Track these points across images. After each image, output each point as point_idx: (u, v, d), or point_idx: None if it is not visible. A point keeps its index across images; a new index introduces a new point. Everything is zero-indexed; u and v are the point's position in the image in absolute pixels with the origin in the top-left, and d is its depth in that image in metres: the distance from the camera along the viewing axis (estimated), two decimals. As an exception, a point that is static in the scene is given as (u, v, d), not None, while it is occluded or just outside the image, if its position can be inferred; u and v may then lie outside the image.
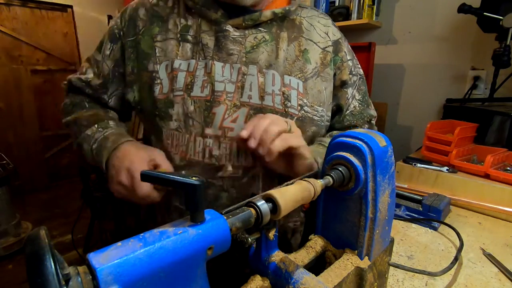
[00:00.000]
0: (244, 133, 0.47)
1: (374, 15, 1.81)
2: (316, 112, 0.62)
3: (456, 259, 0.58)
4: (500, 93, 1.35)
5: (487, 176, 0.89)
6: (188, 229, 0.28)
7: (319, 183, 0.38)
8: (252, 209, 0.33)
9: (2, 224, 2.16)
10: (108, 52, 0.62)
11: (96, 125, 0.60)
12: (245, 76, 0.56)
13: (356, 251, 0.42)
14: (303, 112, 0.59)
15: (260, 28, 0.58)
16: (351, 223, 0.43)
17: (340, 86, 0.67)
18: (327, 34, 0.65)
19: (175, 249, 0.26)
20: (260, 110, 0.56)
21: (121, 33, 0.61)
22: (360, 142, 0.40)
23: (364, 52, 1.82)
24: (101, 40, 0.65)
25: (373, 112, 0.75)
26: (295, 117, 0.59)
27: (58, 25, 3.27)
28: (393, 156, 0.43)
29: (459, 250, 0.61)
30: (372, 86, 1.87)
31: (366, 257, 0.42)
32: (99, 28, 3.45)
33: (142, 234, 0.27)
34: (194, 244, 0.27)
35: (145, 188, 0.49)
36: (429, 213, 0.77)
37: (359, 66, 0.71)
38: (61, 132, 3.44)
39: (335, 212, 0.45)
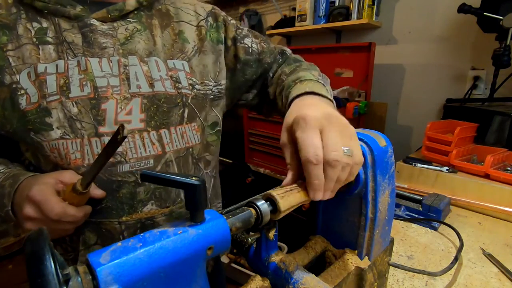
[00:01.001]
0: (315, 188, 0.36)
1: (374, 15, 1.81)
2: (208, 88, 0.63)
3: (456, 259, 0.58)
4: (500, 93, 1.35)
5: (487, 176, 0.89)
6: (188, 229, 0.28)
7: (319, 183, 0.37)
8: (252, 209, 0.33)
9: (2, 224, 2.16)
10: None
11: None
12: (127, 67, 0.54)
13: (356, 251, 0.43)
14: (195, 90, 0.61)
15: (129, 19, 0.56)
16: (351, 223, 0.43)
17: (233, 44, 0.68)
18: (195, 11, 0.65)
19: (175, 249, 0.26)
20: (153, 97, 0.55)
21: None
22: (360, 142, 0.40)
23: (364, 52, 1.82)
24: None
25: (280, 47, 0.75)
26: (190, 97, 0.59)
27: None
28: (393, 156, 0.43)
29: (459, 250, 0.61)
30: (372, 86, 1.87)
31: (366, 257, 0.42)
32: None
33: (142, 234, 0.27)
34: (194, 244, 0.27)
35: (56, 206, 0.44)
36: (429, 213, 0.77)
37: (240, 26, 0.72)
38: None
39: (335, 212, 0.45)
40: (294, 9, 2.17)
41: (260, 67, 0.71)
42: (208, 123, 0.65)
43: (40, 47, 0.51)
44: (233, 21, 0.70)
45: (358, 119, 1.81)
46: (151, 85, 0.55)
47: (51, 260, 0.21)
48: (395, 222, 0.78)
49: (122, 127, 0.34)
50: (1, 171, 0.53)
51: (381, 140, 0.41)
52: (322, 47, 2.07)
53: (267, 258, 0.41)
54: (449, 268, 0.55)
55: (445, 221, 0.75)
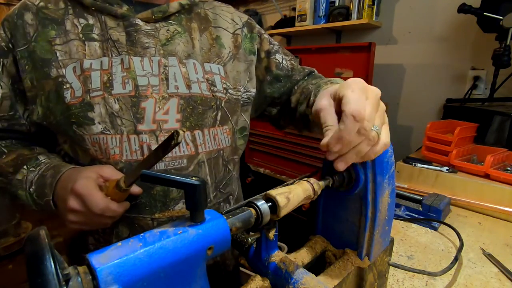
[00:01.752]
0: (324, 142, 0.36)
1: (374, 15, 1.81)
2: (239, 93, 0.64)
3: (456, 259, 0.58)
4: (500, 93, 1.35)
5: (487, 176, 0.90)
6: (188, 229, 0.28)
7: (319, 184, 0.38)
8: (252, 209, 0.33)
9: (2, 224, 2.16)
10: (0, 69, 0.54)
11: (25, 167, 0.53)
12: (167, 68, 0.55)
13: (356, 251, 0.43)
14: (229, 95, 0.62)
15: (170, 21, 0.58)
16: (351, 223, 0.43)
17: (267, 57, 0.71)
18: (233, 20, 0.68)
19: (175, 249, 0.26)
20: (189, 98, 0.56)
21: (9, 45, 0.53)
22: (360, 142, 0.40)
23: (364, 52, 1.82)
24: None
25: (311, 68, 0.77)
26: (224, 100, 0.61)
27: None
28: (393, 156, 0.43)
29: (459, 250, 0.61)
30: (372, 86, 1.87)
31: (366, 257, 0.42)
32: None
33: (142, 234, 0.27)
34: (194, 244, 0.27)
35: (100, 201, 0.45)
36: (429, 213, 0.77)
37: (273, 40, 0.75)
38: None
39: (335, 212, 0.45)
40: (294, 9, 2.17)
41: (288, 83, 0.72)
42: (238, 127, 0.66)
43: (86, 43, 0.53)
44: (266, 35, 0.72)
45: (358, 119, 1.81)
46: (188, 87, 0.56)
47: (51, 260, 0.21)
48: (395, 222, 0.78)
49: (177, 133, 0.35)
50: (42, 161, 0.54)
51: (381, 140, 0.41)
52: (322, 47, 2.07)
53: (267, 258, 0.41)
54: (449, 268, 0.55)
55: (445, 221, 0.75)
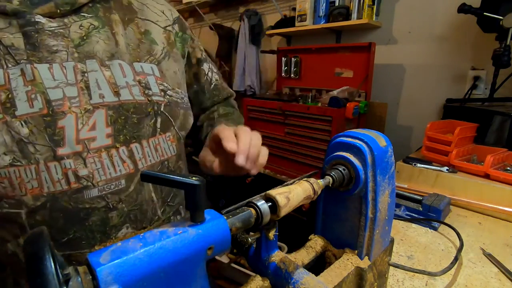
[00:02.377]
0: (233, 146, 0.45)
1: (374, 15, 1.81)
2: (178, 95, 0.58)
3: (456, 259, 0.58)
4: (500, 93, 1.35)
5: (487, 176, 0.89)
6: (188, 229, 0.28)
7: (319, 183, 0.38)
8: (252, 209, 0.33)
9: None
10: None
11: None
12: (85, 74, 0.46)
13: (356, 251, 0.43)
14: (168, 97, 0.54)
15: (82, 14, 0.47)
16: (351, 223, 0.43)
17: (197, 64, 0.66)
18: (163, 12, 0.59)
19: (175, 249, 0.26)
20: (119, 107, 0.48)
21: None
22: (360, 142, 0.40)
23: (364, 52, 1.83)
24: None
25: (230, 91, 0.77)
26: (163, 104, 0.53)
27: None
28: (393, 156, 0.43)
29: (459, 250, 0.61)
30: (372, 86, 1.87)
31: (366, 257, 0.42)
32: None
33: (142, 234, 0.27)
34: (194, 244, 0.27)
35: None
36: (429, 213, 0.77)
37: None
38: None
39: (335, 212, 0.45)
40: (294, 9, 2.18)
41: (208, 100, 0.71)
42: (183, 132, 0.60)
43: None
44: (197, 40, 0.67)
45: (358, 119, 1.81)
46: (117, 93, 0.48)
47: (51, 260, 0.21)
48: (395, 222, 0.78)
49: None
50: None
51: (381, 140, 0.41)
52: (322, 47, 2.07)
53: (267, 258, 0.41)
54: (449, 268, 0.55)
55: (445, 221, 0.75)
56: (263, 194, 0.35)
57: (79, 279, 0.22)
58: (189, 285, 0.29)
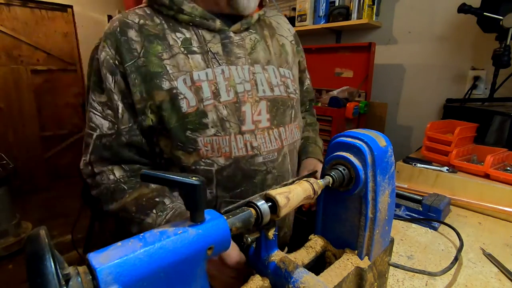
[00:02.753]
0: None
1: (374, 15, 1.81)
2: (299, 93, 0.76)
3: (456, 259, 0.58)
4: (500, 93, 1.35)
5: (487, 176, 0.89)
6: (188, 229, 0.28)
7: (319, 183, 0.38)
8: (252, 209, 0.33)
9: (2, 224, 2.16)
10: (113, 86, 0.58)
11: (154, 211, 0.57)
12: (255, 75, 0.64)
13: (356, 251, 0.42)
14: (296, 95, 0.73)
15: (250, 30, 0.66)
16: (351, 223, 0.43)
17: (303, 71, 0.84)
18: (289, 29, 0.78)
19: (175, 249, 0.26)
20: (274, 100, 0.65)
21: (116, 62, 0.57)
22: (360, 142, 0.40)
23: (364, 52, 1.82)
24: (93, 80, 0.59)
25: (312, 93, 0.93)
26: (294, 100, 0.71)
27: (58, 25, 3.27)
28: (393, 156, 0.43)
29: (459, 250, 0.61)
30: (372, 86, 1.87)
31: (366, 257, 0.42)
32: (99, 28, 3.44)
33: (142, 234, 0.27)
34: (194, 244, 0.27)
35: (234, 256, 0.48)
36: (429, 213, 0.77)
37: None
38: (61, 132, 3.44)
39: (335, 212, 0.45)
40: (294, 9, 2.17)
41: (303, 99, 0.86)
42: (301, 123, 0.78)
43: (189, 56, 0.59)
44: (303, 52, 0.83)
45: (358, 119, 1.81)
46: (272, 90, 0.65)
47: (51, 260, 0.21)
48: (395, 222, 0.78)
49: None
50: (168, 205, 0.58)
51: (381, 140, 0.41)
52: (322, 47, 2.07)
53: (267, 258, 0.41)
54: (449, 268, 0.55)
55: (445, 221, 0.75)
56: (263, 194, 0.35)
57: (79, 279, 0.22)
58: (189, 285, 0.29)
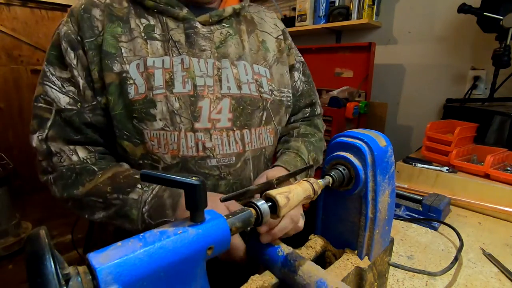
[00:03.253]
0: (267, 239, 0.44)
1: (374, 15, 1.81)
2: (283, 94, 0.68)
3: (456, 259, 0.58)
4: (500, 93, 1.35)
5: (487, 176, 0.89)
6: (188, 229, 0.28)
7: (319, 183, 0.38)
8: (252, 209, 0.33)
9: (2, 224, 2.16)
10: (75, 62, 0.54)
11: (139, 185, 0.52)
12: (220, 70, 0.59)
13: (356, 251, 0.43)
14: (273, 96, 0.65)
15: (223, 24, 0.62)
16: (351, 223, 0.43)
17: (290, 70, 0.75)
18: (275, 25, 0.73)
19: (175, 249, 0.26)
20: (240, 98, 0.59)
21: (78, 37, 0.54)
22: (360, 142, 0.40)
23: (364, 52, 1.82)
24: (51, 50, 0.56)
25: (316, 97, 0.82)
26: (269, 101, 0.64)
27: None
28: (393, 156, 0.43)
29: (459, 250, 0.61)
30: (372, 86, 1.87)
31: (366, 257, 0.42)
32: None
33: (142, 234, 0.27)
34: (194, 244, 0.27)
35: (242, 250, 0.47)
36: (429, 213, 0.77)
37: (299, 54, 0.81)
38: (61, 132, 3.44)
39: (335, 212, 0.45)
40: (294, 9, 2.18)
41: (292, 106, 0.74)
42: (280, 127, 0.69)
43: (148, 42, 0.56)
44: (294, 50, 0.77)
45: (358, 119, 1.81)
46: (239, 87, 0.60)
47: (51, 260, 0.21)
48: (395, 222, 0.78)
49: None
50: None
51: (381, 140, 0.41)
52: (322, 47, 2.07)
53: (265, 245, 0.42)
54: (449, 268, 0.55)
55: (445, 221, 0.75)
56: (263, 194, 0.35)
57: (79, 279, 0.22)
58: (189, 285, 0.29)
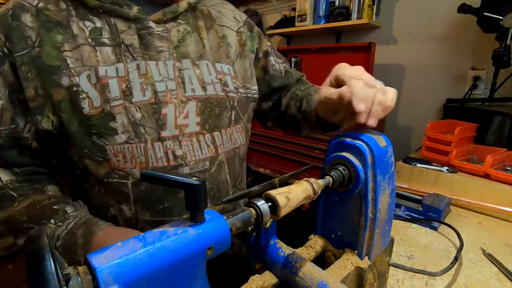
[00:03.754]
0: (362, 107, 0.41)
1: (374, 15, 1.81)
2: (249, 90, 0.66)
3: (456, 259, 0.58)
4: (500, 93, 1.35)
5: (487, 176, 0.90)
6: (188, 229, 0.28)
7: (319, 183, 0.38)
8: (252, 209, 0.33)
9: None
10: None
11: (52, 221, 0.48)
12: (182, 71, 0.55)
13: (356, 251, 0.43)
14: (239, 94, 0.63)
15: (179, 21, 0.56)
16: (351, 223, 0.43)
17: (264, 57, 0.72)
18: (235, 17, 0.68)
19: (175, 249, 0.26)
20: (206, 100, 0.56)
21: (5, 49, 0.47)
22: (360, 142, 0.40)
23: (364, 52, 1.83)
24: None
25: (298, 72, 0.80)
26: (236, 100, 0.61)
27: (58, 25, 3.27)
28: (393, 156, 0.43)
29: (459, 250, 0.61)
30: (372, 86, 1.87)
31: (366, 257, 0.42)
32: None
33: (142, 234, 0.27)
34: (194, 244, 0.27)
35: None
36: (429, 213, 0.77)
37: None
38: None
39: (335, 212, 0.45)
40: (294, 9, 2.17)
41: (284, 81, 0.74)
42: (249, 125, 0.68)
43: (97, 49, 0.49)
44: (264, 36, 0.74)
45: (358, 119, 1.81)
46: (204, 89, 0.56)
47: (51, 260, 0.21)
48: (395, 222, 0.78)
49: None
50: (71, 214, 0.51)
51: (381, 140, 0.41)
52: (322, 47, 2.07)
53: (266, 246, 0.41)
54: (449, 268, 0.55)
55: (445, 221, 0.75)
56: (263, 194, 0.35)
57: (79, 279, 0.22)
58: (189, 285, 0.29)
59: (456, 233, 0.67)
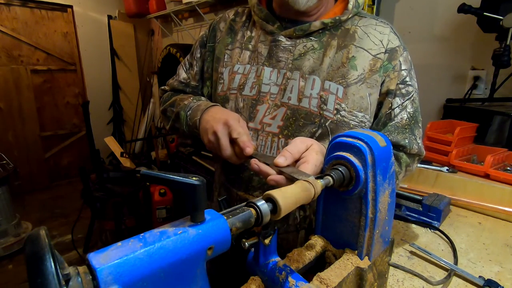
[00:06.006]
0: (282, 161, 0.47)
1: (374, 15, 1.81)
2: (354, 117, 0.62)
3: (451, 271, 0.58)
4: (500, 93, 1.35)
5: (487, 176, 0.89)
6: (188, 229, 0.28)
7: (319, 183, 0.37)
8: (252, 209, 0.33)
9: (2, 224, 2.16)
10: (199, 55, 0.77)
11: (191, 98, 0.72)
12: (288, 80, 0.64)
13: (356, 251, 0.42)
14: (339, 116, 0.62)
15: (311, 37, 0.65)
16: (351, 223, 0.43)
17: (385, 94, 0.64)
18: (381, 41, 0.65)
19: (175, 249, 0.26)
20: (296, 110, 0.63)
21: (206, 40, 0.75)
22: (360, 142, 0.40)
23: (364, 52, 1.82)
24: (193, 46, 0.79)
25: (419, 141, 0.68)
26: (329, 120, 0.62)
27: (58, 25, 3.27)
28: (393, 156, 0.43)
29: (455, 255, 0.61)
30: (372, 86, 1.87)
31: (366, 257, 0.42)
32: (99, 28, 3.44)
33: (142, 234, 0.27)
34: (194, 244, 0.27)
35: (227, 151, 0.56)
36: (429, 213, 0.77)
37: (415, 79, 0.69)
38: (61, 132, 3.44)
39: (335, 212, 0.45)
40: (294, 9, 2.17)
41: (398, 140, 0.64)
42: None
43: (242, 52, 0.70)
44: (404, 72, 0.65)
45: (358, 119, 1.81)
46: (299, 100, 0.63)
47: (51, 260, 0.21)
48: (395, 222, 0.78)
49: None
50: (203, 99, 0.73)
51: (381, 140, 0.41)
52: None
53: (265, 264, 0.41)
54: (443, 281, 0.55)
55: (445, 221, 0.75)
56: (263, 194, 0.35)
57: (79, 279, 0.22)
58: (189, 285, 0.29)
59: (450, 241, 0.67)
